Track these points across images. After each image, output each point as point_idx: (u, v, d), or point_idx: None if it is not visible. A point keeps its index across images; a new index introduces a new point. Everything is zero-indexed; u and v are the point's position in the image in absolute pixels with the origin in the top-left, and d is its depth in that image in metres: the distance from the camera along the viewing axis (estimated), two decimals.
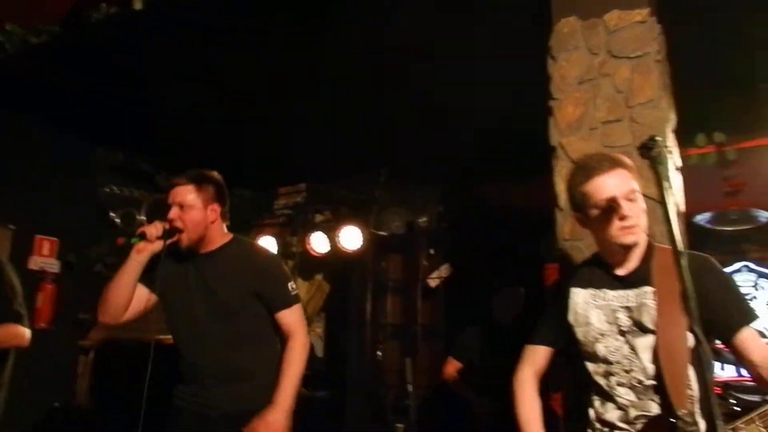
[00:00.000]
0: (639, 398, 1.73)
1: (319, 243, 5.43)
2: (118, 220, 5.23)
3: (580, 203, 1.86)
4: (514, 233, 4.90)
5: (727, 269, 5.59)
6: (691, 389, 1.67)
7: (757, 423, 1.54)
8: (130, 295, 2.44)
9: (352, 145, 5.05)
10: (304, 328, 2.48)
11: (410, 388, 4.11)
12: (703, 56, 3.52)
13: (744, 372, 5.20)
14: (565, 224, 2.70)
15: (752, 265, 5.41)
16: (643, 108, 2.66)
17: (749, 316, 1.76)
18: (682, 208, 2.88)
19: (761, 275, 5.37)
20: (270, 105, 4.39)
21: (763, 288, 5.40)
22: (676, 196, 2.73)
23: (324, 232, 5.41)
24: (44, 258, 4.83)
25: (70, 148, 5.02)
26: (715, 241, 5.25)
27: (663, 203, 1.54)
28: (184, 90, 4.14)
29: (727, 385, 4.24)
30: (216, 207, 2.49)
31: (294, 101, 4.36)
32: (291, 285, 2.50)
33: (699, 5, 3.13)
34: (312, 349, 5.80)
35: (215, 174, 2.56)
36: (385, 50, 3.58)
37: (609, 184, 1.78)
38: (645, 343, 1.74)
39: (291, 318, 2.46)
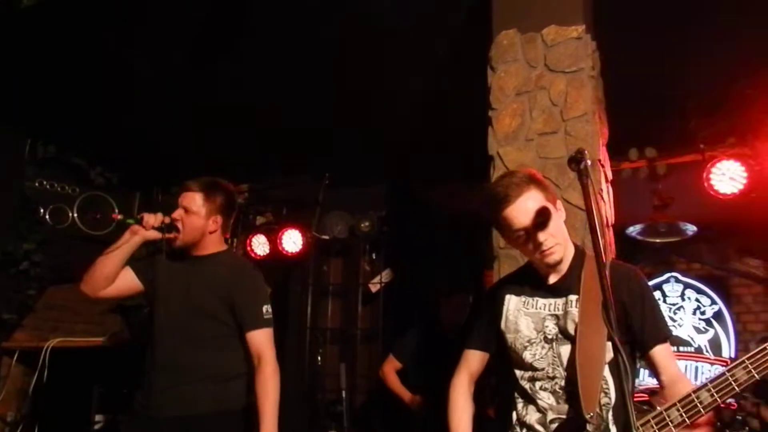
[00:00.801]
0: (557, 402, 1.78)
1: (259, 245, 5.37)
2: (47, 216, 5.03)
3: (499, 229, 1.91)
4: (457, 237, 4.96)
5: (656, 280, 5.84)
6: (608, 397, 1.73)
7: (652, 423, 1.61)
8: (116, 272, 2.50)
9: (295, 146, 5.02)
10: (273, 352, 2.45)
11: (344, 393, 4.11)
12: (637, 74, 3.67)
13: None
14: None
15: (679, 276, 5.68)
16: (577, 121, 2.74)
17: (663, 334, 1.81)
18: (612, 219, 2.98)
19: (687, 286, 5.64)
20: (207, 102, 4.33)
21: (689, 298, 5.67)
22: (606, 208, 2.83)
23: (265, 234, 5.36)
24: None
25: None
26: (646, 252, 5.48)
27: (590, 215, 1.57)
28: (120, 82, 4.02)
29: (652, 392, 4.40)
30: (218, 219, 2.54)
31: (231, 99, 4.30)
32: (266, 308, 2.48)
33: (632, 23, 3.25)
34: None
35: (228, 185, 2.63)
36: (324, 43, 3.60)
37: (517, 216, 1.79)
38: (567, 351, 1.78)
39: (260, 339, 2.43)
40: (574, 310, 1.78)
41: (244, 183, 5.75)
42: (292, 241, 5.22)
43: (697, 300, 5.64)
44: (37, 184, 4.99)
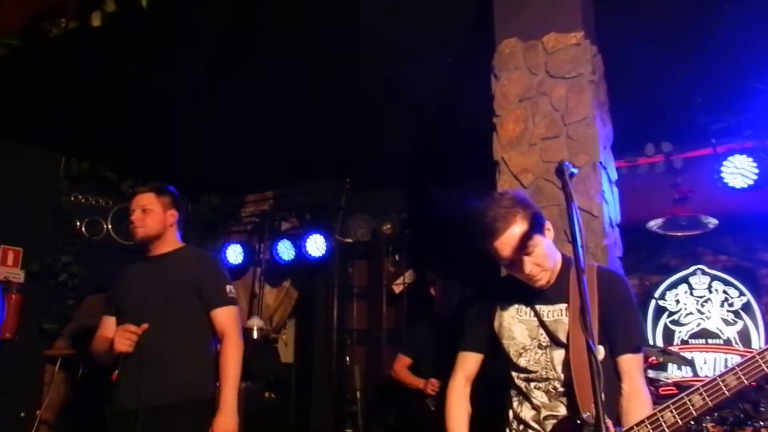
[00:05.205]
0: (550, 401, 1.92)
1: (285, 250, 5.57)
2: (83, 229, 5.32)
3: (489, 255, 1.97)
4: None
5: (682, 272, 5.83)
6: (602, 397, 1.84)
7: (647, 425, 1.71)
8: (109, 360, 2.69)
9: (318, 153, 5.20)
10: (237, 329, 2.69)
11: (358, 394, 4.29)
12: (651, 72, 3.73)
13: (700, 373, 5.45)
14: None
15: (706, 269, 5.65)
16: (578, 125, 2.84)
17: (634, 344, 1.89)
18: (618, 218, 3.07)
19: (714, 278, 5.62)
20: (234, 113, 4.53)
21: (716, 290, 5.64)
22: (609, 208, 2.93)
23: (290, 239, 5.55)
24: (8, 268, 4.89)
25: (34, 157, 5.10)
26: (671, 245, 5.49)
27: (571, 225, 1.67)
28: (148, 98, 4.26)
29: (678, 386, 4.42)
30: (174, 213, 2.83)
31: (258, 110, 4.50)
32: (229, 288, 2.73)
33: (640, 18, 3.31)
34: (277, 355, 5.93)
35: (172, 187, 2.93)
36: (353, 54, 3.77)
37: (504, 249, 1.85)
38: (560, 356, 1.90)
39: (224, 317, 2.68)
40: (565, 318, 1.89)
41: (269, 190, 5.98)
42: (317, 245, 5.39)
43: (724, 292, 5.59)
44: (72, 199, 5.29)
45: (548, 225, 1.95)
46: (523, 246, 1.85)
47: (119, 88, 4.09)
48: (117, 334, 2.59)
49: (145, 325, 2.57)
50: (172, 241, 2.83)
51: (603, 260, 2.69)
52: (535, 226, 1.88)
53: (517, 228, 1.85)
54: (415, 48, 3.67)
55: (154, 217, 2.76)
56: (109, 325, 2.77)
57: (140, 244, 2.81)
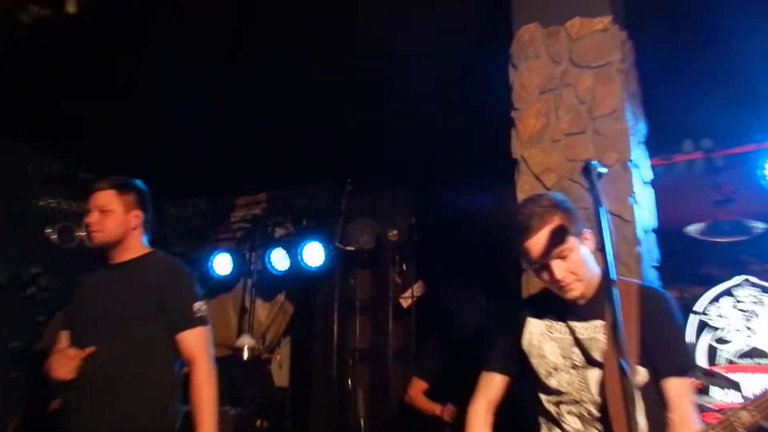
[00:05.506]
0: (584, 426, 1.97)
1: (279, 260, 5.63)
2: (54, 236, 5.36)
3: (518, 257, 2.04)
4: (494, 244, 5.11)
5: (727, 284, 5.87)
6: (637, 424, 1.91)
7: None
8: None
9: (315, 151, 5.27)
10: (207, 353, 2.60)
11: (362, 421, 4.34)
12: (690, 61, 3.79)
13: (748, 395, 5.48)
14: None
15: (754, 279, 5.69)
16: (606, 119, 2.94)
17: (681, 366, 1.94)
18: (653, 223, 3.14)
19: (764, 290, 5.65)
20: (222, 108, 4.61)
21: (765, 304, 5.68)
22: (642, 212, 2.99)
23: (285, 247, 5.62)
24: None
25: (2, 158, 5.17)
26: (712, 252, 5.53)
27: (599, 230, 1.74)
28: (128, 93, 4.35)
29: (723, 413, 4.44)
30: (138, 213, 2.73)
31: (248, 104, 4.58)
32: (198, 305, 2.64)
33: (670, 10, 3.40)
34: (270, 378, 5.99)
35: (138, 181, 2.82)
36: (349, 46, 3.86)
37: (536, 250, 1.91)
38: (595, 377, 1.94)
39: (191, 341, 2.59)
40: (601, 336, 1.94)
41: (261, 193, 6.05)
42: (315, 254, 5.46)
43: None
44: (42, 203, 5.34)
45: (588, 234, 2.00)
46: (557, 249, 1.90)
47: (98, 81, 4.18)
48: (54, 359, 2.56)
49: (90, 349, 2.53)
50: (136, 247, 2.74)
51: (635, 270, 2.77)
52: (574, 230, 1.93)
53: (553, 229, 1.89)
54: (423, 34, 3.75)
55: (114, 219, 2.65)
56: (64, 343, 2.70)
57: (99, 249, 2.73)
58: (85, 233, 2.77)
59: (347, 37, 3.80)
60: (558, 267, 1.91)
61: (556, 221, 1.91)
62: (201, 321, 2.63)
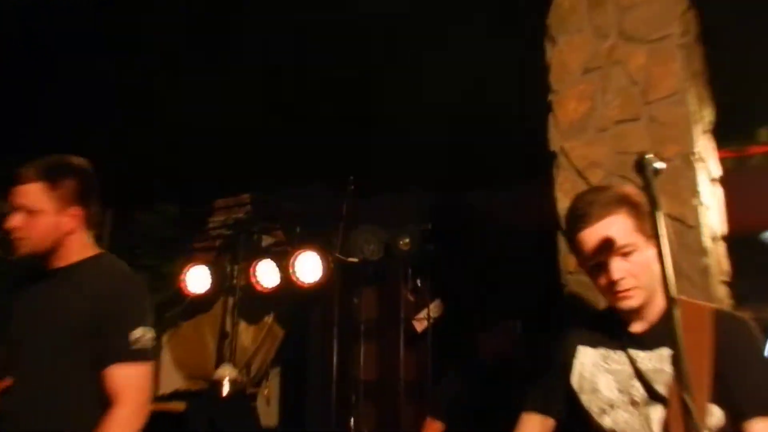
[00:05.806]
0: None
1: (267, 274, 5.57)
2: None
3: (573, 251, 2.05)
4: (525, 255, 5.05)
5: None
6: None
7: None
8: None
9: (312, 147, 5.22)
10: (138, 395, 2.34)
11: None
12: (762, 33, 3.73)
13: None
14: (570, 252, 2.88)
15: None
16: (664, 103, 2.86)
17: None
18: (722, 228, 3.07)
19: None
20: (198, 91, 4.58)
21: None
22: (712, 215, 2.92)
23: (274, 259, 5.56)
24: None
25: None
26: None
27: (656, 237, 1.68)
28: (81, 84, 4.32)
29: None
30: (77, 210, 2.47)
31: (232, 93, 4.54)
32: (138, 333, 2.36)
33: None
34: (255, 417, 5.93)
35: (79, 162, 2.53)
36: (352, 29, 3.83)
37: (593, 241, 1.93)
38: (659, 415, 1.91)
39: (121, 376, 2.31)
40: (668, 368, 1.90)
41: (245, 193, 5.98)
42: (310, 267, 5.40)
43: None
44: None
45: None
46: (618, 243, 1.90)
47: (48, 63, 4.14)
48: None
49: (6, 382, 2.37)
50: (78, 249, 2.50)
51: (701, 285, 2.71)
52: (641, 229, 1.92)
53: (617, 222, 1.91)
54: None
55: (44, 221, 2.39)
56: None
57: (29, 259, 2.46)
58: (7, 241, 2.42)
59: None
60: (617, 265, 1.91)
61: (621, 214, 1.92)
62: (139, 355, 2.36)
